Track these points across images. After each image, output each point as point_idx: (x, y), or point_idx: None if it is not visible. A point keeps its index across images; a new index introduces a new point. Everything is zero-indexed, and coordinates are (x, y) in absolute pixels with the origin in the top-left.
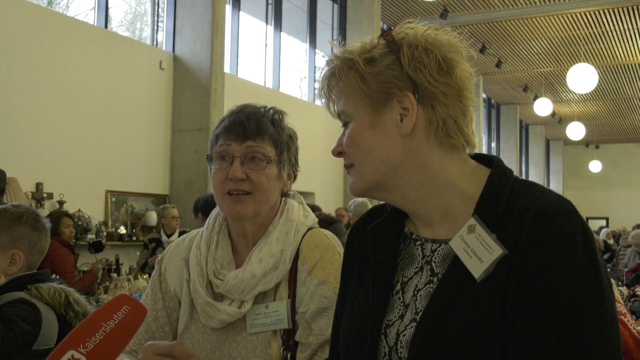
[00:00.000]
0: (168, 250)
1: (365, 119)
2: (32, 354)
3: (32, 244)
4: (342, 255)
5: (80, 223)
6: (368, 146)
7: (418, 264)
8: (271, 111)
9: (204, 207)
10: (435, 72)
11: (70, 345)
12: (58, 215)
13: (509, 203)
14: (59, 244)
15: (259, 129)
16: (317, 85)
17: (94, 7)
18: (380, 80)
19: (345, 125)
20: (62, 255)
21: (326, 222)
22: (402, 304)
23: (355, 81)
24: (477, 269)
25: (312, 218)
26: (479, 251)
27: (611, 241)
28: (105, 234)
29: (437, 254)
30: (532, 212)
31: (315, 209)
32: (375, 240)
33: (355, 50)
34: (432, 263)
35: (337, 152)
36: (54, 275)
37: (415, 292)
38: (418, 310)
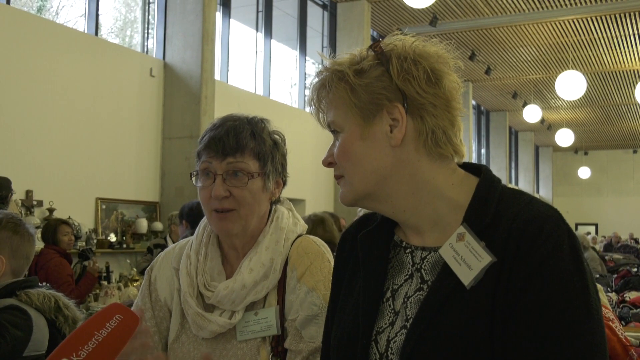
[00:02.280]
0: (158, 259)
1: (355, 130)
2: None
3: (14, 248)
4: (331, 262)
5: None
6: (359, 157)
7: (408, 271)
8: (253, 122)
9: (189, 215)
10: (424, 83)
11: (63, 353)
12: (55, 224)
13: (498, 211)
14: (55, 254)
15: (238, 144)
16: (307, 92)
17: (84, 14)
18: (370, 91)
19: (335, 135)
20: (57, 266)
21: None
22: (393, 311)
23: (345, 92)
24: (466, 276)
25: (302, 225)
26: (468, 259)
27: (597, 246)
28: (95, 241)
29: (427, 261)
30: (520, 220)
31: (334, 216)
32: (366, 248)
33: (344, 61)
34: (422, 270)
35: (328, 163)
36: (44, 283)
37: (406, 300)
38: (408, 317)
